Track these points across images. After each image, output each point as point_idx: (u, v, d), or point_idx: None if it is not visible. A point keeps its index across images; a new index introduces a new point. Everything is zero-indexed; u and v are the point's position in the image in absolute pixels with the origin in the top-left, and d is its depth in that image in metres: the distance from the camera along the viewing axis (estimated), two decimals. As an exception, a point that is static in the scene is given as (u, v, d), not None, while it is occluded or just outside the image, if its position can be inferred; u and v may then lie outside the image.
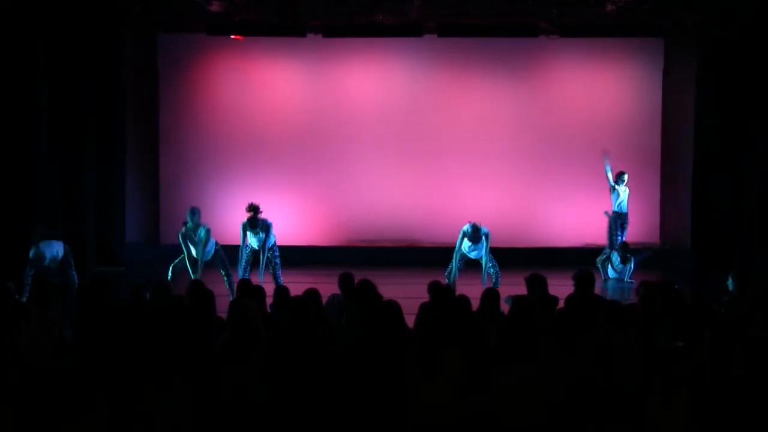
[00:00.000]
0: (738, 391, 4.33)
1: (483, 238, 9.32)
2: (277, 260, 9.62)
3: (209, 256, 9.47)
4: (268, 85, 13.44)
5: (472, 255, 9.48)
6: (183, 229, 9.45)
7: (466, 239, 9.41)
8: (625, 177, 11.66)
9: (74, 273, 9.41)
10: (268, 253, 9.50)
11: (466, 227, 9.39)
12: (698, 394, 4.34)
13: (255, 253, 9.54)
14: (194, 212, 9.41)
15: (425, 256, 12.44)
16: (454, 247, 9.60)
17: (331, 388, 4.62)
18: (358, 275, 6.87)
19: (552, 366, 4.76)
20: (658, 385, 4.41)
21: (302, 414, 4.53)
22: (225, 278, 9.50)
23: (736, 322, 5.64)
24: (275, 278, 9.50)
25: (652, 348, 5.01)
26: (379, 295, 6.40)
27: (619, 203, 11.67)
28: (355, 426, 4.49)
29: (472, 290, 8.90)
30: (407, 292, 7.98)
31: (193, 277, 9.13)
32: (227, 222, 13.08)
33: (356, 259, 11.38)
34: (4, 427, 4.22)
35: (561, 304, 6.40)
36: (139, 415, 4.36)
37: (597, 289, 7.08)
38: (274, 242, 9.64)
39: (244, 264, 9.50)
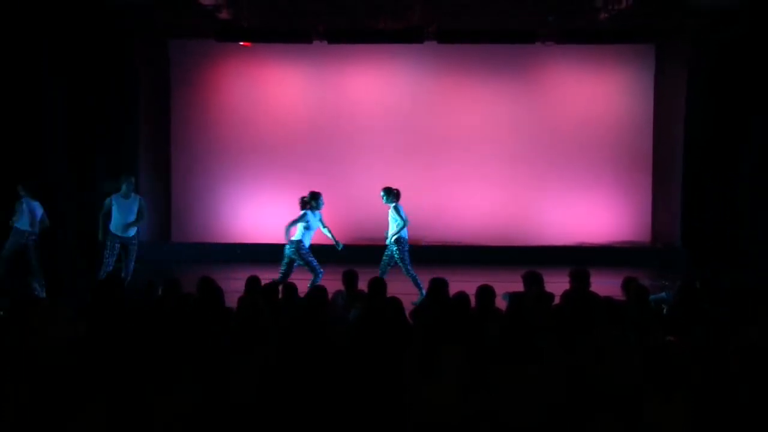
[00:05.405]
0: (736, 390, 4.36)
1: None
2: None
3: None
4: (275, 90, 13.69)
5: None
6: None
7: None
8: None
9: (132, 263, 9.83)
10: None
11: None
12: (696, 393, 4.37)
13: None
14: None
15: (424, 254, 12.58)
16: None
17: (334, 385, 4.65)
18: (361, 273, 7.08)
19: (552, 366, 4.77)
20: (656, 383, 4.41)
21: (304, 412, 4.54)
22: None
23: (735, 322, 5.68)
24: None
25: (647, 345, 5.00)
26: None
27: None
28: (356, 425, 4.50)
29: (471, 288, 9.12)
30: (407, 289, 8.20)
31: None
32: (236, 221, 13.38)
33: (358, 257, 11.54)
34: (17, 419, 4.31)
35: (557, 300, 6.48)
36: (146, 411, 4.37)
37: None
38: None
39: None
